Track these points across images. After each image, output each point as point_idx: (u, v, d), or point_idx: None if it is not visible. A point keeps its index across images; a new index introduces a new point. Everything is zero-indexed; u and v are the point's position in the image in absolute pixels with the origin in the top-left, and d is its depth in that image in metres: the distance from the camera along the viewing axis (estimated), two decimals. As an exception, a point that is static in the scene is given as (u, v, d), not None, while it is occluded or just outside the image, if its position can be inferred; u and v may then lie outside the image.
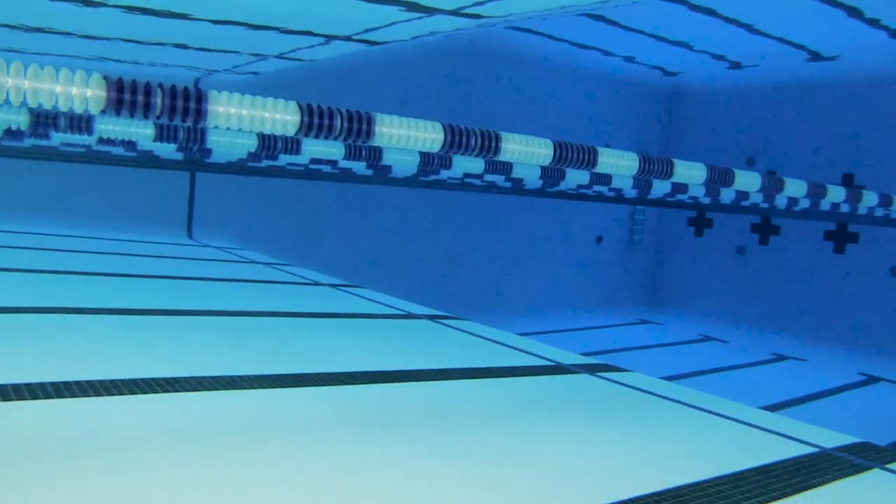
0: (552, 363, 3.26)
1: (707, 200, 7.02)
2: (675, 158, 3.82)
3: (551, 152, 3.05)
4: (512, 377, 2.98)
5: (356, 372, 2.73)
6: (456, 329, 3.85)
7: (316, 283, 5.07)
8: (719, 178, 4.16)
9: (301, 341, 3.22)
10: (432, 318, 4.10)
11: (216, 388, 2.31)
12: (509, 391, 2.76)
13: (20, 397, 2.00)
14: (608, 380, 3.06)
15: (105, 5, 3.51)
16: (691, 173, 4.03)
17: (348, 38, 4.72)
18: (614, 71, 8.80)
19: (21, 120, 3.44)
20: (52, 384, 2.13)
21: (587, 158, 3.31)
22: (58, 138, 4.79)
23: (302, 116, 2.21)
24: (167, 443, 1.83)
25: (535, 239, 9.42)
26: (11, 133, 4.34)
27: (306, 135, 2.28)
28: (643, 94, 10.02)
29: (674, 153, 9.89)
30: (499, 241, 9.06)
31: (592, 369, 3.21)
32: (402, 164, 4.34)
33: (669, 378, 6.24)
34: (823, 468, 2.10)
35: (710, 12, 5.44)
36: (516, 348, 3.51)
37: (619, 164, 3.44)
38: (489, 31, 6.21)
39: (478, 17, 3.78)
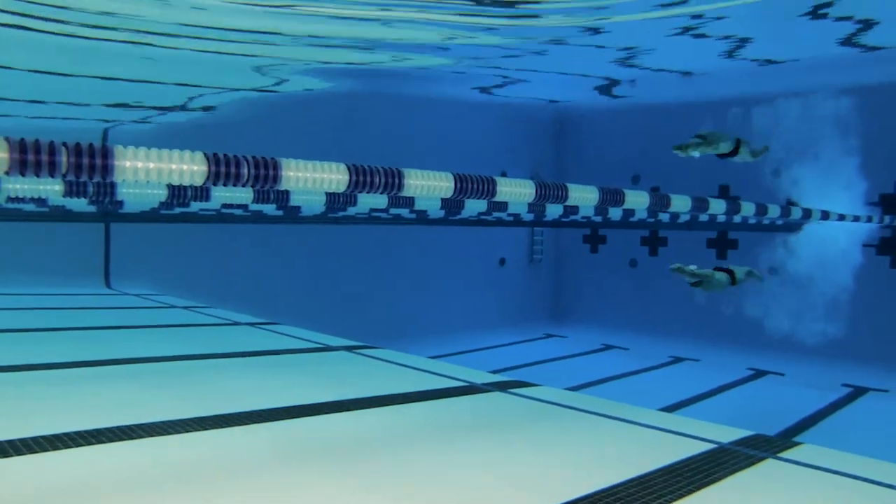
0: (466, 384, 3.29)
1: (599, 219, 7.26)
2: (568, 182, 3.95)
3: (452, 185, 3.11)
4: (428, 400, 2.98)
5: (278, 408, 2.68)
6: (372, 357, 3.84)
7: (235, 323, 4.95)
8: (611, 199, 4.33)
9: (223, 382, 3.14)
10: (349, 348, 4.08)
11: (142, 436, 2.23)
12: (427, 414, 2.77)
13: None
14: (519, 395, 3.10)
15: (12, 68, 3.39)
16: (585, 196, 4.17)
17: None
18: (503, 102, 9.03)
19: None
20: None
21: (487, 188, 3.39)
22: None
23: (209, 166, 2.18)
24: (94, 495, 1.75)
25: (442, 265, 9.51)
26: None
27: (215, 183, 2.24)
28: (532, 122, 10.32)
29: (566, 176, 10.23)
30: (408, 269, 9.10)
31: (503, 386, 3.25)
32: (311, 203, 4.31)
33: (577, 387, 6.41)
34: (723, 462, 2.19)
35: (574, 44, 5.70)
36: (431, 372, 3.53)
37: (517, 191, 3.54)
38: (377, 73, 6.28)
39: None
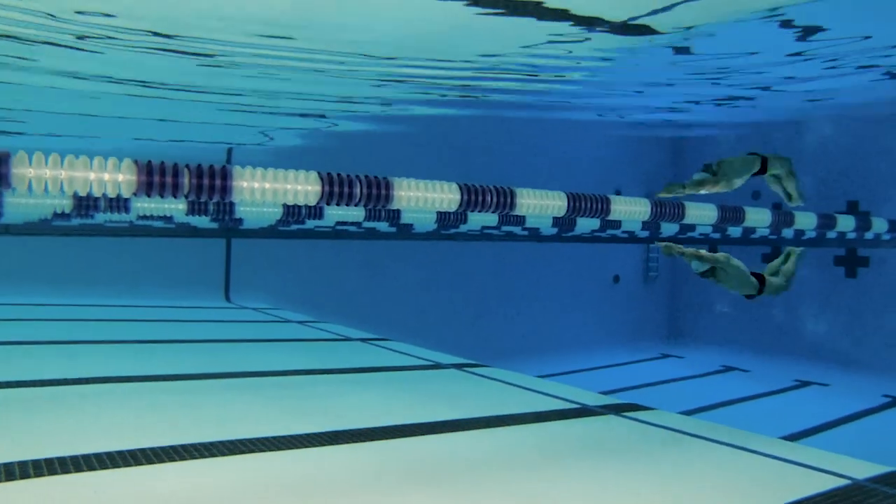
0: (578, 405, 3.17)
1: (717, 235, 6.92)
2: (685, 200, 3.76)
3: (565, 203, 3.01)
4: (539, 422, 2.88)
5: (386, 426, 2.66)
6: (482, 376, 3.77)
7: (347, 339, 5.02)
8: (731, 217, 4.09)
9: (333, 398, 3.16)
10: (459, 366, 4.03)
11: (257, 450, 2.26)
12: (538, 437, 2.67)
13: (77, 469, 1.97)
14: (634, 419, 2.95)
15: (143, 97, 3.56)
16: (702, 214, 3.96)
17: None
18: (617, 120, 8.80)
19: (65, 203, 3.50)
20: (93, 455, 2.09)
21: (600, 207, 3.27)
22: (102, 216, 4.89)
23: (323, 186, 2.21)
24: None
25: (554, 282, 9.34)
26: (59, 215, 4.46)
27: (328, 203, 2.26)
28: (648, 137, 10.00)
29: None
30: (519, 286, 8.99)
31: (618, 409, 3.11)
32: (422, 220, 4.32)
33: (694, 411, 6.08)
34: (858, 502, 1.98)
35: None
36: (542, 392, 3.42)
37: (632, 210, 3.40)
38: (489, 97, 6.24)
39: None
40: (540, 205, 2.89)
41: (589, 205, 3.15)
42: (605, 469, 2.29)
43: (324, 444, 2.39)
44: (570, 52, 3.98)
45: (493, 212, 2.76)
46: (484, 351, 5.39)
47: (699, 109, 7.13)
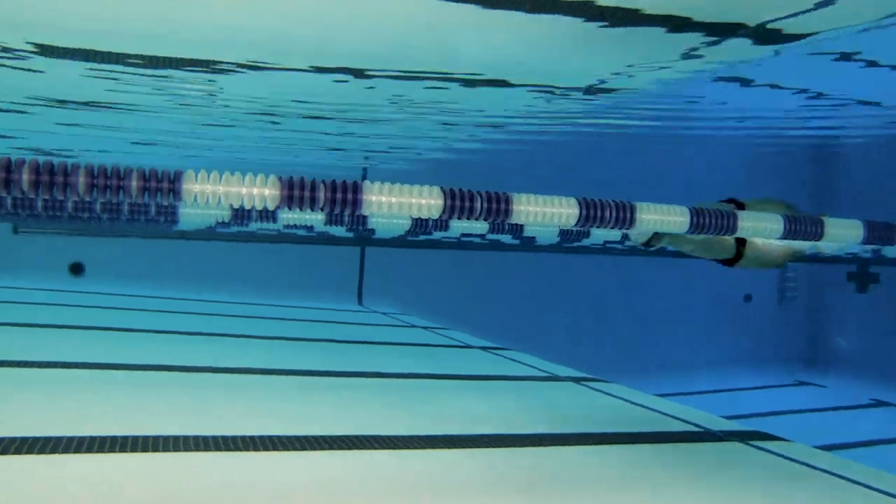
0: (700, 429, 3.06)
1: (868, 254, 6.38)
2: (831, 214, 3.52)
3: (688, 219, 2.95)
4: (656, 443, 2.82)
5: (503, 435, 2.71)
6: (599, 391, 3.74)
7: (467, 346, 5.13)
8: (881, 236, 3.78)
9: (452, 403, 3.26)
10: (576, 380, 4.02)
11: (372, 447, 2.38)
12: (653, 459, 2.60)
13: (217, 448, 2.18)
14: (763, 449, 2.78)
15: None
16: (845, 232, 3.68)
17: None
18: (745, 133, 8.35)
19: (225, 214, 3.87)
20: (216, 437, 2.30)
21: (726, 224, 3.17)
22: (254, 225, 5.43)
23: (445, 200, 2.31)
24: (323, 499, 1.90)
25: (680, 298, 9.00)
26: (220, 223, 5.00)
27: (450, 217, 2.37)
28: (780, 151, 9.42)
29: (831, 207, 9.13)
30: (642, 302, 8.75)
31: (744, 437, 2.95)
32: (545, 233, 4.35)
33: (834, 447, 5.63)
34: None
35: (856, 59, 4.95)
36: (661, 412, 3.34)
37: (761, 226, 3.27)
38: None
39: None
40: (661, 220, 2.85)
41: (714, 221, 3.06)
42: (724, 499, 2.21)
43: (437, 447, 2.48)
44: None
45: (611, 227, 2.76)
46: (602, 365, 5.30)
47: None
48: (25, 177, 1.95)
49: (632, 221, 2.85)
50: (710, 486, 2.32)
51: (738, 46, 2.76)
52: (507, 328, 7.19)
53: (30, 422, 2.29)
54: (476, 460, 2.38)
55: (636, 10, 1.38)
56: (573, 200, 2.67)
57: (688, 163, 8.68)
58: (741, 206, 3.10)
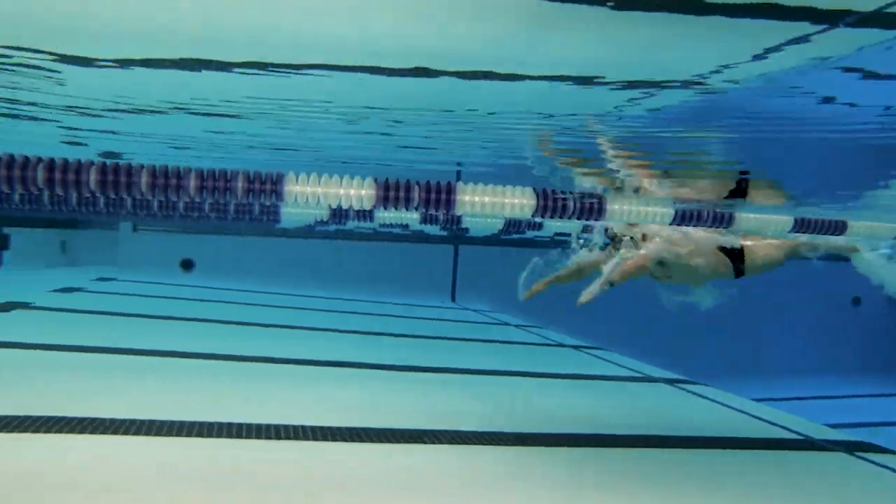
0: (801, 437, 2.91)
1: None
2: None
3: (791, 221, 2.84)
4: (752, 449, 2.71)
5: (592, 434, 2.68)
6: (693, 394, 3.63)
7: (560, 345, 5.08)
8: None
9: (542, 400, 3.24)
10: (670, 381, 3.91)
11: (454, 442, 2.40)
12: (747, 466, 2.49)
13: (297, 437, 2.27)
14: (871, 462, 2.60)
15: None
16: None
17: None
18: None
19: (323, 212, 4.01)
20: (307, 427, 2.38)
21: (835, 227, 3.01)
22: (352, 223, 5.60)
23: (537, 200, 2.32)
24: (405, 491, 1.94)
25: (784, 299, 8.55)
26: (319, 222, 5.22)
27: (542, 216, 2.37)
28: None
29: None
30: (743, 302, 8.36)
31: (851, 448, 2.78)
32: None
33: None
34: None
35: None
36: (759, 417, 3.21)
37: (878, 229, 3.09)
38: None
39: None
40: (762, 220, 2.75)
41: (822, 225, 2.92)
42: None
43: (526, 445, 2.48)
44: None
45: (709, 227, 2.69)
46: (698, 367, 5.13)
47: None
48: (144, 179, 2.10)
49: (730, 221, 2.76)
50: (812, 498, 2.21)
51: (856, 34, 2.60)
52: (600, 327, 7.08)
53: (141, 406, 2.45)
54: (563, 459, 2.36)
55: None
56: (667, 202, 2.63)
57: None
58: (742, 193, 2.86)
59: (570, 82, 1.58)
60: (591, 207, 2.44)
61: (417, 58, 1.47)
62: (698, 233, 2.86)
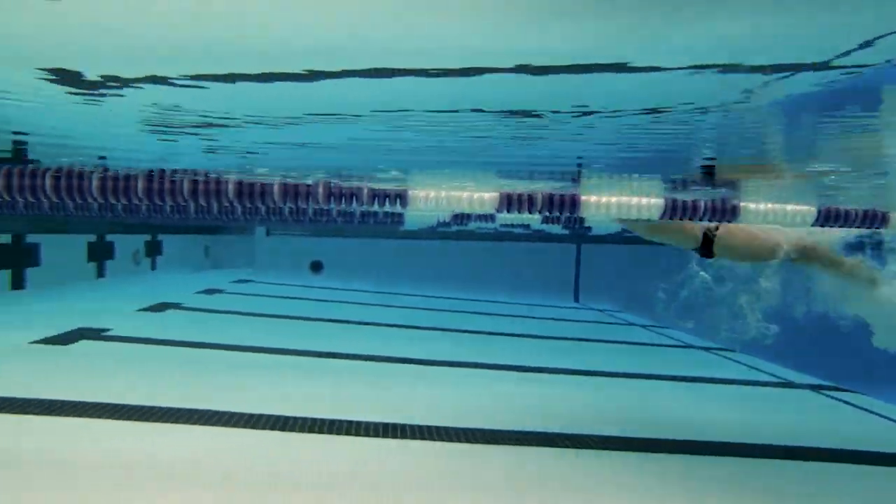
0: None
1: None
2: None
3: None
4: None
5: (721, 442, 2.54)
6: (841, 401, 3.36)
7: (689, 346, 4.87)
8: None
9: (667, 405, 3.11)
10: (815, 387, 3.64)
11: (580, 446, 2.35)
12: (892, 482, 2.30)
13: (414, 437, 2.31)
14: None
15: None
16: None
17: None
18: None
19: (446, 214, 4.05)
20: (423, 427, 2.40)
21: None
22: (473, 224, 5.63)
23: (666, 201, 2.22)
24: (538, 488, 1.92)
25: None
26: (442, 223, 5.28)
27: (671, 217, 2.27)
28: None
29: None
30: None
31: None
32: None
33: None
34: None
35: None
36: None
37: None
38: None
39: None
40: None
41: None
42: None
43: (649, 451, 2.39)
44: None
45: (858, 228, 2.48)
46: (844, 372, 4.74)
47: None
48: (276, 188, 2.20)
49: (884, 221, 2.54)
50: None
51: None
52: (733, 328, 6.72)
53: (273, 402, 2.57)
54: (683, 466, 2.25)
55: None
56: (811, 203, 2.44)
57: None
58: (710, 174, 2.54)
59: (715, 70, 1.49)
60: (724, 209, 2.31)
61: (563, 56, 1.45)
62: None
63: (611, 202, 2.19)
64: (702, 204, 2.22)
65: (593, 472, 2.14)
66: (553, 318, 6.16)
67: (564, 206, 2.16)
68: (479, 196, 2.13)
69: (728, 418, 2.93)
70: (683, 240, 2.68)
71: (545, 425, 2.53)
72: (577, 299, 7.72)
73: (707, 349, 4.76)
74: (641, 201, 2.20)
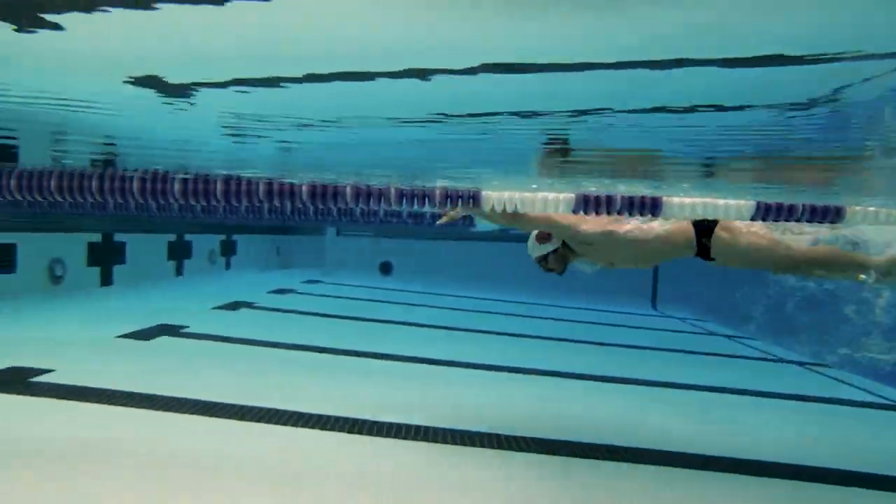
0: None
1: None
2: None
3: None
4: None
5: (813, 468, 2.38)
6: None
7: (780, 360, 4.64)
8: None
9: (753, 424, 2.95)
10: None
11: (656, 462, 2.25)
12: None
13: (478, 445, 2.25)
14: None
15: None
16: None
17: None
18: None
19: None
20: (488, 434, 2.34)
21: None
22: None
23: (759, 204, 2.12)
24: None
25: None
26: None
27: (763, 219, 2.16)
28: None
29: None
30: None
31: None
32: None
33: None
34: None
35: None
36: None
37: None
38: None
39: None
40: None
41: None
42: None
43: (738, 471, 2.28)
44: None
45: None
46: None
47: None
48: (348, 190, 2.21)
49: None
50: None
51: None
52: (828, 342, 6.38)
53: (341, 403, 2.58)
54: (774, 494, 2.12)
55: None
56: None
57: None
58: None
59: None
60: (826, 211, 2.18)
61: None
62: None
63: (695, 203, 2.09)
64: (799, 207, 2.10)
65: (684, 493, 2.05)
66: (630, 326, 5.99)
67: (646, 208, 2.08)
68: (554, 197, 2.08)
69: (820, 439, 2.76)
70: (673, 251, 2.49)
71: (616, 438, 2.45)
72: (654, 307, 7.49)
73: (800, 364, 4.52)
74: (729, 202, 2.09)
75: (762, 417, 3.06)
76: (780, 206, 2.08)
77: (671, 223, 2.32)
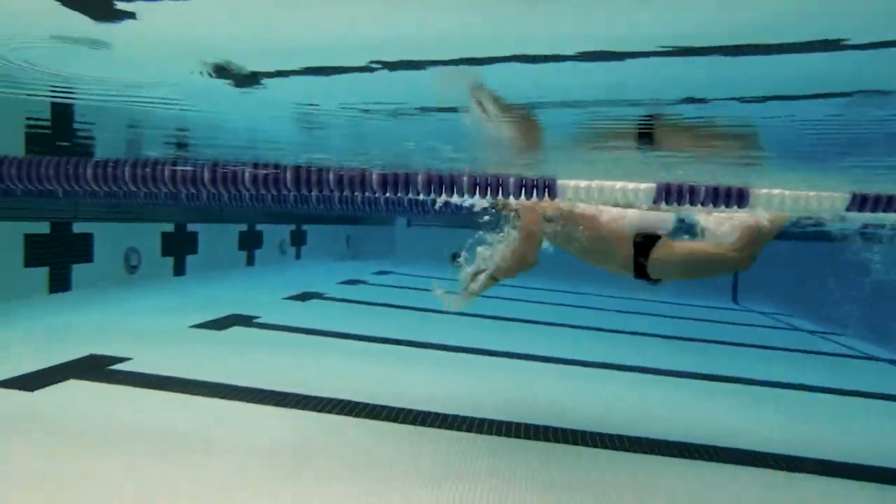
0: None
1: None
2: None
3: None
4: None
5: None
6: None
7: (870, 358, 4.42)
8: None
9: (846, 425, 2.83)
10: None
11: (741, 462, 2.19)
12: None
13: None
14: None
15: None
16: None
17: None
18: None
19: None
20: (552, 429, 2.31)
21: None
22: None
23: (854, 196, 2.02)
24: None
25: None
26: None
27: (848, 209, 2.06)
28: None
29: None
30: None
31: None
32: None
33: None
34: None
35: None
36: None
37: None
38: None
39: None
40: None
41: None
42: None
43: (820, 474, 2.20)
44: None
45: None
46: None
47: None
48: (420, 178, 2.22)
49: None
50: None
51: None
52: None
53: (411, 397, 2.60)
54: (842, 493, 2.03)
55: None
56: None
57: None
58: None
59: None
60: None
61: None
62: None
63: (784, 196, 2.01)
64: (884, 198, 1.99)
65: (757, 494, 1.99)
66: (710, 320, 5.81)
67: (731, 200, 2.01)
68: (634, 187, 2.03)
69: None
70: (615, 268, 2.43)
71: (713, 439, 2.41)
72: (735, 300, 7.27)
73: (893, 362, 4.31)
74: (822, 195, 2.00)
75: (852, 416, 2.95)
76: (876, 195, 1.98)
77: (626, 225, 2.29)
